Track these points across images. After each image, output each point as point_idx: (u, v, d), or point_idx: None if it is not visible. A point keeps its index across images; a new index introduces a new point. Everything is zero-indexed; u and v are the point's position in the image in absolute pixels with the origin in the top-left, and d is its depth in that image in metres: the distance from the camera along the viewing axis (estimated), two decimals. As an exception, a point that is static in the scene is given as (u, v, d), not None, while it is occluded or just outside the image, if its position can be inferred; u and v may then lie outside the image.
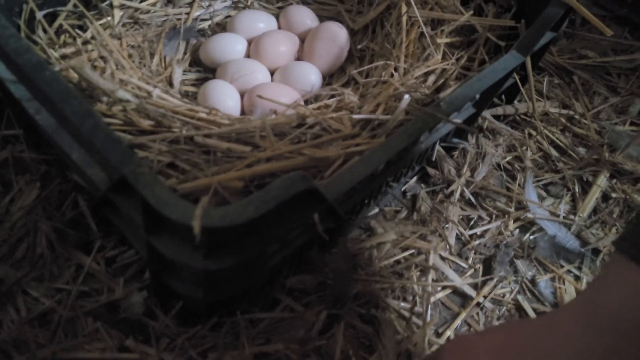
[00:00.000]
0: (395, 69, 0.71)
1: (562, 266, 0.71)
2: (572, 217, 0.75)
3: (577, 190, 0.78)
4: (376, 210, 0.72)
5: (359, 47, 0.82)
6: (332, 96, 0.73)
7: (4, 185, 0.65)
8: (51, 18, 0.71)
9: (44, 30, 0.69)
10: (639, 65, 0.92)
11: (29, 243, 0.60)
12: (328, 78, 0.82)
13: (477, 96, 0.70)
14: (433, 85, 0.71)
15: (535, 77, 0.89)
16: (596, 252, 0.73)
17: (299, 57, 0.82)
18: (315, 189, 0.47)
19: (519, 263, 0.70)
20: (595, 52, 0.94)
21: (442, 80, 0.72)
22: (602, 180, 0.78)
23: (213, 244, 0.46)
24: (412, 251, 0.69)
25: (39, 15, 0.68)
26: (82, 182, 0.58)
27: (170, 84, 0.74)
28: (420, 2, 0.78)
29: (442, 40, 0.73)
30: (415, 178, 0.76)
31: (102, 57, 0.67)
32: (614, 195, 0.78)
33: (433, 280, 0.67)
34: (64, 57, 0.65)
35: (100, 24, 0.72)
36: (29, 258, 0.59)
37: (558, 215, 0.75)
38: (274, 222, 0.48)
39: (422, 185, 0.76)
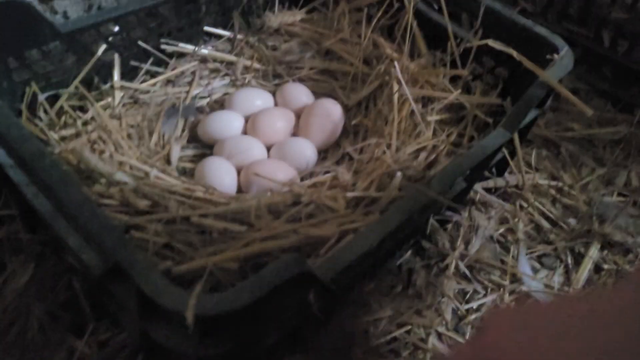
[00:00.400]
0: (388, 146, 0.73)
1: (558, 341, 0.70)
2: (566, 288, 0.76)
3: (569, 261, 0.78)
4: (372, 285, 0.72)
5: (353, 122, 0.84)
6: (328, 171, 0.74)
7: (-2, 266, 0.65)
8: (53, 99, 0.74)
9: (45, 112, 0.71)
10: (623, 137, 0.94)
11: (20, 327, 0.59)
12: (323, 153, 0.84)
13: (468, 171, 0.71)
14: (424, 162, 0.72)
15: (524, 150, 0.91)
16: (592, 325, 0.72)
17: (295, 133, 0.84)
18: (310, 271, 0.48)
19: (515, 338, 0.69)
20: (580, 124, 0.96)
21: (433, 156, 0.73)
22: (594, 252, 0.79)
23: (207, 330, 0.46)
24: (408, 327, 0.68)
25: (41, 97, 0.70)
26: (77, 265, 0.58)
27: (168, 162, 0.76)
28: (410, 80, 0.81)
29: (433, 118, 0.76)
30: (410, 252, 0.76)
31: (101, 138, 0.68)
32: (606, 266, 0.78)
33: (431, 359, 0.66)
34: (63, 138, 0.67)
35: (101, 105, 0.74)
36: (20, 343, 0.58)
37: (552, 288, 0.75)
38: (268, 305, 0.48)
39: (417, 258, 0.76)
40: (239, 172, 0.76)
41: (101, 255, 0.48)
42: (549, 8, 1.05)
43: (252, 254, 0.57)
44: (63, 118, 0.72)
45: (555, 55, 0.70)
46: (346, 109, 0.86)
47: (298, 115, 0.85)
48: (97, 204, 0.46)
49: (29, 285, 0.62)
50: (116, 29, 0.77)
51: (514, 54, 0.70)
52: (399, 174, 0.66)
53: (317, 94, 0.89)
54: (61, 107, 0.73)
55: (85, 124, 0.71)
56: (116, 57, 0.78)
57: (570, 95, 0.66)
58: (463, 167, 0.64)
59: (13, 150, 0.49)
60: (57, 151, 0.62)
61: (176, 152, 0.78)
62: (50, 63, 0.72)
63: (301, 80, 0.91)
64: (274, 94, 0.88)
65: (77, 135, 0.69)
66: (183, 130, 0.82)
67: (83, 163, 0.59)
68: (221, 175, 0.73)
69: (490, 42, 0.71)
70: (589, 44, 1.01)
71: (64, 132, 0.68)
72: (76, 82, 0.74)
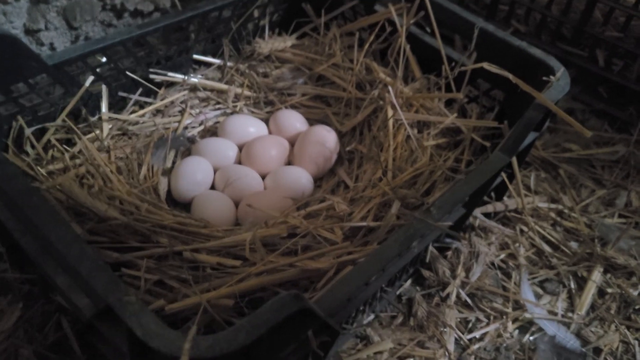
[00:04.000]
0: (384, 173, 0.72)
1: (565, 369, 0.69)
2: (570, 314, 0.74)
3: (572, 286, 0.77)
4: (371, 317, 0.70)
5: (348, 149, 0.82)
6: (323, 200, 0.73)
7: (-15, 307, 0.63)
8: (40, 133, 0.72)
9: (32, 147, 0.69)
10: (622, 157, 0.93)
11: (9, 369, 0.57)
12: (318, 181, 0.82)
13: (467, 198, 0.70)
14: (422, 188, 0.71)
15: (522, 172, 0.90)
16: (597, 351, 0.71)
17: (289, 161, 0.83)
18: (308, 308, 0.46)
19: (521, 368, 0.68)
20: (578, 145, 0.95)
21: (431, 182, 0.72)
22: (597, 276, 0.77)
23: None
24: (410, 360, 0.67)
25: (28, 132, 0.69)
26: (67, 305, 0.56)
27: (158, 195, 0.74)
28: (405, 104, 0.80)
29: (429, 143, 0.74)
30: (409, 281, 0.75)
31: (89, 172, 0.67)
32: (609, 290, 0.77)
33: (434, 391, 0.64)
34: (51, 173, 0.65)
35: (89, 138, 0.72)
36: (9, 387, 0.56)
37: (556, 314, 0.73)
38: (266, 345, 0.46)
39: (417, 288, 0.74)
40: (236, 204, 0.74)
41: (92, 297, 0.46)
42: (543, 29, 1.04)
43: (247, 290, 0.55)
44: (50, 152, 0.70)
45: (552, 77, 0.70)
46: (340, 135, 0.84)
47: (292, 142, 0.84)
48: (86, 243, 0.44)
49: (17, 326, 0.60)
50: (104, 59, 0.76)
51: (510, 76, 0.69)
52: (397, 202, 0.64)
53: (311, 121, 0.88)
54: (48, 141, 0.71)
55: (73, 157, 0.69)
56: (104, 88, 0.77)
57: (569, 118, 0.65)
58: (462, 194, 0.63)
59: (-2, 188, 0.47)
60: (44, 187, 0.60)
61: (164, 185, 0.76)
62: (37, 96, 0.71)
63: (294, 106, 0.90)
64: (266, 121, 0.87)
65: (65, 169, 0.67)
66: (174, 162, 0.80)
67: (72, 199, 0.57)
68: (219, 208, 0.71)
69: (486, 66, 0.70)
70: (584, 64, 1.00)
71: (52, 167, 0.66)
72: (63, 114, 0.72)
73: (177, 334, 0.40)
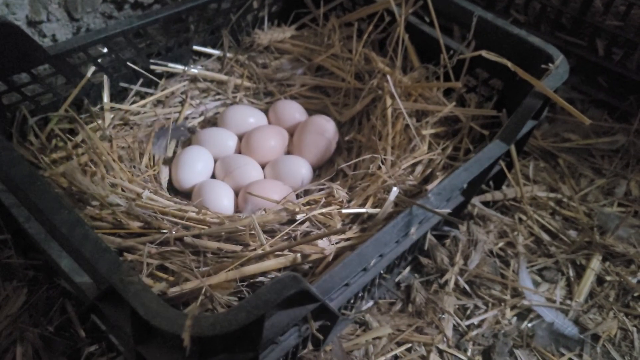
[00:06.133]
0: (383, 161, 0.72)
1: (562, 354, 0.69)
2: (568, 302, 0.74)
3: (571, 274, 0.77)
4: (370, 303, 0.71)
5: (347, 138, 0.83)
6: (322, 189, 0.73)
7: (-10, 293, 0.64)
8: (43, 122, 0.73)
9: (36, 136, 0.70)
10: (621, 146, 0.94)
11: (14, 353, 0.58)
12: (317, 170, 0.83)
13: (465, 185, 0.70)
14: (420, 176, 0.72)
15: (521, 162, 0.90)
16: (596, 337, 0.71)
17: (288, 151, 0.83)
18: (307, 290, 0.47)
19: (518, 353, 0.68)
20: (577, 134, 0.96)
21: (429, 170, 0.73)
22: (596, 264, 0.78)
23: (204, 351, 0.44)
24: (409, 345, 0.67)
25: (31, 121, 0.69)
26: (70, 289, 0.57)
27: (159, 183, 0.75)
28: (404, 94, 0.80)
29: (427, 132, 0.75)
30: (408, 268, 0.75)
31: (92, 161, 0.67)
32: (608, 278, 0.77)
33: (432, 375, 0.65)
34: (54, 162, 0.66)
35: (91, 127, 0.73)
36: (14, 370, 0.57)
37: (554, 301, 0.74)
38: (266, 325, 0.47)
39: (416, 275, 0.75)
40: (236, 193, 0.75)
41: (95, 279, 0.47)
42: (542, 18, 1.05)
43: (247, 274, 0.56)
44: (53, 141, 0.71)
45: (551, 65, 0.70)
46: (339, 125, 0.85)
47: (291, 132, 0.85)
48: (89, 226, 0.45)
49: (22, 311, 0.61)
50: (105, 50, 0.76)
51: (509, 64, 0.69)
52: (395, 189, 0.65)
53: (310, 111, 0.88)
54: (51, 130, 0.72)
55: (75, 146, 0.70)
56: (105, 78, 0.77)
57: (567, 105, 0.66)
58: (461, 181, 0.64)
59: (3, 173, 0.48)
60: (48, 174, 0.61)
61: (165, 174, 0.77)
62: (40, 86, 0.71)
63: (293, 97, 0.90)
64: (265, 112, 0.88)
65: (68, 158, 0.68)
66: (175, 152, 0.81)
67: (75, 186, 0.58)
68: (220, 197, 0.72)
69: (484, 54, 0.71)
70: (584, 54, 1.01)
71: (55, 156, 0.67)
72: (66, 104, 0.73)
73: (178, 312, 0.40)
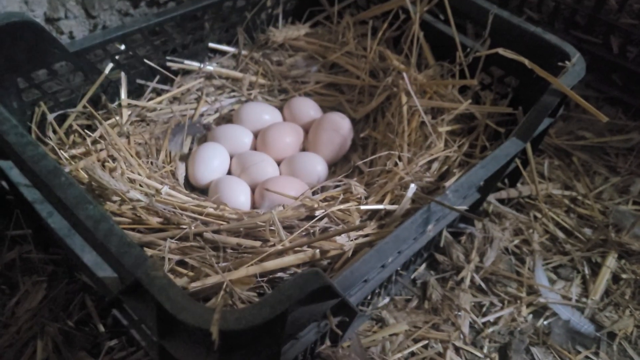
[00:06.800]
0: (399, 158, 0.73)
1: (578, 352, 0.69)
2: (584, 300, 0.74)
3: (586, 272, 0.77)
4: (387, 299, 0.71)
5: (362, 135, 0.83)
6: (338, 186, 0.74)
7: (10, 287, 0.64)
8: (61, 118, 0.73)
9: (54, 132, 0.70)
10: (636, 144, 0.93)
11: (34, 347, 0.58)
12: (333, 167, 0.83)
13: (482, 182, 0.70)
14: (437, 173, 0.72)
15: (536, 159, 0.90)
16: (612, 335, 0.71)
17: (304, 148, 0.84)
18: (329, 285, 0.47)
19: (535, 351, 0.68)
20: (591, 132, 0.96)
21: (446, 167, 0.73)
22: (611, 262, 0.78)
23: (227, 346, 0.45)
24: (425, 342, 0.67)
25: (50, 117, 0.70)
26: (92, 283, 0.57)
27: (176, 179, 0.75)
28: (419, 91, 0.80)
29: (444, 129, 0.75)
30: (424, 265, 0.75)
31: (110, 156, 0.68)
32: (624, 276, 0.77)
33: (449, 372, 0.65)
34: (73, 158, 0.66)
35: (109, 124, 0.73)
36: (35, 364, 0.57)
37: (570, 299, 0.74)
38: (288, 320, 0.47)
39: (432, 272, 0.75)
40: (252, 190, 0.75)
41: (119, 273, 0.47)
42: (556, 16, 1.04)
43: (267, 270, 0.57)
44: (72, 137, 0.71)
45: (567, 63, 0.70)
46: (354, 122, 0.85)
47: (306, 129, 0.85)
48: (114, 222, 0.45)
49: (42, 305, 0.61)
50: (122, 47, 0.77)
51: (526, 62, 0.69)
52: (413, 185, 0.65)
53: (324, 108, 0.89)
54: (70, 126, 0.72)
55: (94, 142, 0.70)
56: (123, 75, 0.78)
57: (585, 103, 0.66)
58: (478, 178, 0.64)
59: (28, 168, 0.48)
60: (67, 170, 0.61)
61: (182, 170, 0.78)
62: (58, 83, 0.72)
63: (307, 94, 0.91)
64: (280, 109, 0.88)
65: (87, 154, 0.68)
66: (190, 148, 0.81)
67: (95, 181, 0.58)
68: (236, 193, 0.72)
69: (501, 51, 0.71)
70: (598, 51, 1.00)
71: (74, 151, 0.67)
72: (84, 100, 0.74)
73: (204, 306, 0.41)
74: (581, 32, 1.03)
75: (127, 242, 0.43)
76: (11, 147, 0.49)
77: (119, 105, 0.77)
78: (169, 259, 0.56)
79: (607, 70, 1.02)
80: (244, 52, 0.91)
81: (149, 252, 0.57)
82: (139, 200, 0.59)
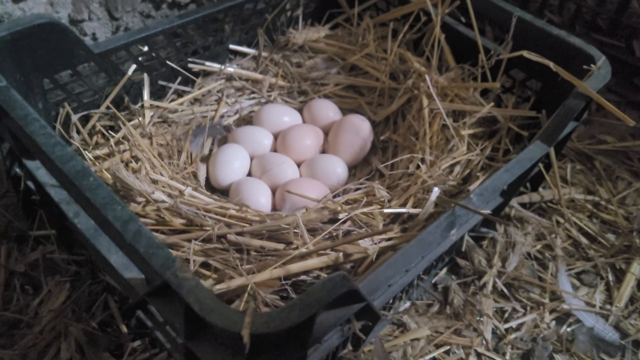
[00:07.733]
0: (422, 161, 0.72)
1: (603, 360, 0.68)
2: (608, 307, 0.74)
3: (610, 278, 0.76)
4: (407, 304, 0.71)
5: (382, 138, 0.83)
6: (359, 188, 0.73)
7: (34, 287, 0.64)
8: (85, 119, 0.74)
9: (78, 132, 0.70)
10: (659, 149, 0.92)
11: (58, 347, 0.59)
12: (353, 169, 0.83)
13: (505, 186, 0.70)
14: (459, 177, 0.71)
15: (558, 164, 0.89)
16: (637, 344, 0.70)
17: (323, 150, 0.83)
18: (356, 289, 0.47)
19: (558, 358, 0.68)
20: (613, 137, 0.95)
21: (468, 171, 0.72)
22: (636, 268, 0.77)
23: (254, 349, 0.44)
24: (447, 347, 0.67)
25: (74, 118, 0.70)
26: (116, 285, 0.57)
27: (198, 181, 0.75)
28: (440, 94, 0.80)
29: (466, 132, 0.74)
30: (445, 269, 0.75)
31: (134, 157, 0.68)
32: (649, 282, 0.76)
33: (472, 378, 0.64)
34: (97, 158, 0.66)
35: (131, 125, 0.74)
36: (59, 364, 0.57)
37: (594, 306, 0.73)
38: (315, 324, 0.47)
39: (453, 276, 0.74)
40: (273, 192, 0.75)
41: (147, 274, 0.47)
42: (577, 19, 1.04)
43: (292, 272, 0.56)
44: (95, 137, 0.71)
45: (592, 66, 0.69)
46: (373, 125, 0.85)
47: (326, 131, 0.85)
48: (142, 223, 0.45)
49: (65, 306, 0.61)
50: (145, 48, 0.77)
51: (551, 64, 0.68)
52: (436, 189, 0.65)
53: (344, 110, 0.88)
54: (93, 127, 0.73)
55: (117, 143, 0.70)
56: (145, 76, 0.78)
57: (612, 107, 0.65)
58: (502, 182, 0.63)
59: (56, 169, 0.48)
60: (93, 170, 0.61)
61: (203, 171, 0.78)
62: (82, 84, 0.72)
63: (327, 96, 0.90)
64: (300, 111, 0.88)
65: (110, 154, 0.68)
66: (211, 150, 0.81)
67: (120, 182, 0.58)
68: (257, 195, 0.72)
69: (525, 54, 0.70)
70: (620, 55, 0.99)
71: (98, 152, 0.67)
72: (107, 101, 0.74)
73: (233, 309, 0.40)
74: (602, 36, 1.02)
75: (156, 244, 0.43)
76: (39, 147, 0.49)
77: (142, 106, 0.78)
78: (194, 261, 0.55)
79: (629, 74, 1.01)
80: (264, 54, 0.91)
81: (173, 253, 0.56)
82: (163, 202, 0.59)
